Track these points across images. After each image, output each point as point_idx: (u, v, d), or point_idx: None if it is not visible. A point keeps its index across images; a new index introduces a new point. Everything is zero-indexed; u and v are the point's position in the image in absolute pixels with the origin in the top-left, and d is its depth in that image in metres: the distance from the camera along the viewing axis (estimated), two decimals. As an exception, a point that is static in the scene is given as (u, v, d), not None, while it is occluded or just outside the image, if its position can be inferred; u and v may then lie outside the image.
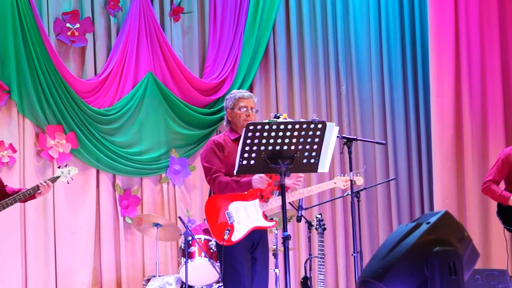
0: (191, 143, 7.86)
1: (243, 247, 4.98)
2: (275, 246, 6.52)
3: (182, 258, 6.59)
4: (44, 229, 7.16)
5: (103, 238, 7.41)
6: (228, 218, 4.94)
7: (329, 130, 4.42)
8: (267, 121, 4.35)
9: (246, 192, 4.99)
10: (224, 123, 5.28)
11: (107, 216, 7.44)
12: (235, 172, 4.46)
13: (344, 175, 5.49)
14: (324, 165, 4.49)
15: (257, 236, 5.06)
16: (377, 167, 8.37)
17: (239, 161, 4.36)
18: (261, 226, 5.01)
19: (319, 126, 4.37)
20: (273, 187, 4.99)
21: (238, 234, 4.94)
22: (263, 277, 5.10)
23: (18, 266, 7.00)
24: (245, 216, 4.96)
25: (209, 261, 6.52)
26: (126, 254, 7.48)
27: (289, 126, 4.33)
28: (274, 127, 4.31)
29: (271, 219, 5.12)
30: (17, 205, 5.55)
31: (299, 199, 5.03)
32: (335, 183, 5.43)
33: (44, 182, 5.39)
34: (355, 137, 5.69)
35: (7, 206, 5.28)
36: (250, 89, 7.94)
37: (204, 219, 5.56)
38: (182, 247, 6.64)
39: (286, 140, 4.34)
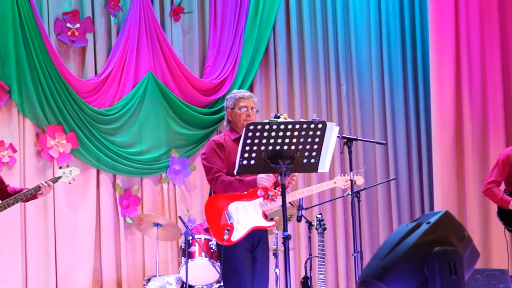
0: (191, 143, 7.86)
1: (244, 247, 4.98)
2: (275, 246, 6.52)
3: (183, 258, 6.59)
4: (45, 229, 7.16)
5: (104, 238, 7.41)
6: (227, 218, 4.94)
7: (329, 130, 4.42)
8: (267, 121, 4.35)
9: (245, 192, 4.99)
10: (225, 123, 5.28)
11: (107, 216, 7.44)
12: (235, 172, 4.46)
13: (344, 175, 5.48)
14: (324, 165, 4.49)
15: (257, 236, 5.06)
16: (377, 167, 8.37)
17: (239, 161, 4.36)
18: (261, 226, 5.00)
19: (319, 126, 4.37)
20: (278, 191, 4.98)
21: (238, 234, 4.93)
22: (263, 277, 5.10)
23: (18, 266, 7.00)
24: (244, 216, 4.96)
25: (209, 261, 6.52)
26: (126, 254, 7.48)
27: (289, 126, 4.33)
28: (274, 127, 4.31)
29: (271, 219, 5.11)
30: (18, 205, 5.55)
31: (299, 199, 5.03)
32: (335, 182, 5.43)
33: (46, 182, 5.39)
34: (355, 137, 5.69)
35: (9, 206, 5.29)
36: (251, 89, 7.94)
37: (205, 219, 5.56)
38: (183, 247, 6.64)
39: (286, 140, 4.34)
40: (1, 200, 5.33)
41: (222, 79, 7.86)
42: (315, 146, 4.40)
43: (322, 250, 6.65)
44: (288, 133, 4.33)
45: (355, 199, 5.70)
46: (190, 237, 6.53)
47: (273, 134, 4.31)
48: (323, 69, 8.33)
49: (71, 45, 7.41)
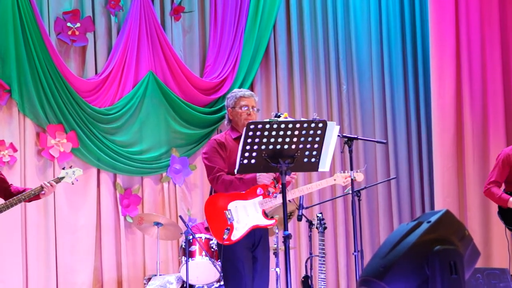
0: (191, 142, 7.86)
1: (244, 246, 4.98)
2: (275, 245, 6.52)
3: (183, 257, 6.60)
4: (45, 228, 7.16)
5: (104, 237, 7.41)
6: (227, 218, 4.94)
7: (329, 129, 4.42)
8: (267, 120, 4.35)
9: (244, 192, 4.99)
10: (225, 122, 5.28)
11: (108, 215, 7.44)
12: (236, 171, 4.46)
13: (344, 172, 5.48)
14: (325, 164, 4.49)
15: (257, 235, 5.06)
16: (377, 166, 8.38)
17: (240, 160, 4.36)
18: (260, 224, 5.01)
19: (320, 125, 4.38)
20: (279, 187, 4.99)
21: (238, 233, 4.94)
22: (264, 276, 5.10)
23: (18, 266, 7.00)
24: (244, 215, 4.96)
25: (210, 260, 6.52)
26: (127, 253, 7.48)
27: (290, 125, 4.33)
28: (275, 126, 4.31)
29: (271, 218, 5.11)
30: (18, 204, 5.55)
31: (300, 198, 5.03)
32: (334, 179, 5.42)
33: (48, 182, 5.39)
34: (355, 136, 5.69)
35: (11, 206, 5.29)
36: (251, 88, 7.95)
37: (205, 219, 5.56)
38: (183, 246, 6.65)
39: (287, 139, 4.34)
40: (4, 200, 5.33)
41: (222, 79, 7.87)
42: (316, 145, 4.40)
43: (323, 249, 6.65)
44: (289, 132, 4.33)
45: (356, 198, 5.71)
46: (191, 236, 6.54)
47: (273, 133, 4.31)
48: (324, 68, 8.33)
49: (72, 45, 7.41)
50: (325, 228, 6.73)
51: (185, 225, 6.51)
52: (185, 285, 6.58)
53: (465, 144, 8.00)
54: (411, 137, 8.49)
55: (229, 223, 4.93)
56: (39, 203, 6.95)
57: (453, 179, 7.97)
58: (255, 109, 5.18)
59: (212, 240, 6.62)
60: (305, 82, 8.26)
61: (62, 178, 5.54)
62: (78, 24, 7.37)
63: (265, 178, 4.92)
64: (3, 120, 7.12)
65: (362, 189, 6.44)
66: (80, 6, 7.46)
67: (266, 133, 4.31)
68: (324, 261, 6.65)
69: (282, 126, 4.32)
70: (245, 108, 5.13)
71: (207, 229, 6.76)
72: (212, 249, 6.62)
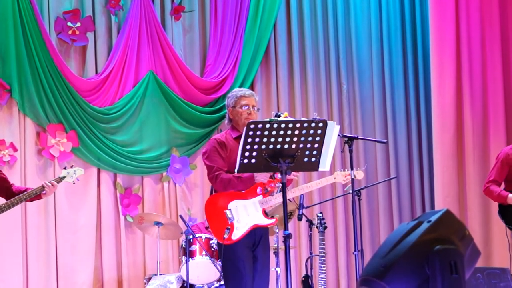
0: (192, 142, 7.86)
1: (245, 246, 4.99)
2: (276, 245, 6.52)
3: (183, 256, 6.60)
4: (45, 228, 7.16)
5: (104, 237, 7.41)
6: (228, 217, 4.94)
7: (330, 128, 4.42)
8: (268, 120, 4.35)
9: (243, 191, 4.99)
10: (226, 121, 5.29)
11: (108, 215, 7.44)
12: (236, 170, 4.47)
13: (344, 170, 5.48)
14: (325, 164, 4.49)
15: (258, 235, 5.06)
16: (378, 166, 8.37)
17: (240, 159, 4.37)
18: (261, 224, 5.01)
19: (320, 125, 4.37)
20: (278, 180, 5.00)
21: (238, 233, 4.94)
22: (264, 275, 5.11)
23: (19, 265, 7.00)
24: (245, 215, 4.97)
25: (210, 259, 6.52)
26: (127, 252, 7.48)
27: (290, 125, 4.33)
28: (275, 126, 4.31)
29: (272, 217, 5.12)
30: (19, 204, 5.55)
31: (300, 197, 5.03)
32: (335, 178, 5.42)
33: (50, 182, 5.39)
34: (356, 135, 5.70)
35: (13, 205, 5.29)
36: (251, 88, 7.95)
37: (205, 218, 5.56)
38: (183, 246, 6.65)
39: (287, 139, 4.34)
40: (6, 200, 5.33)
41: (222, 78, 7.87)
42: (316, 145, 4.40)
43: (323, 248, 6.65)
44: (289, 132, 4.33)
45: (356, 198, 5.70)
46: (191, 236, 6.54)
47: (273, 133, 4.31)
48: (324, 67, 8.33)
49: (72, 44, 7.41)
50: (325, 227, 6.73)
51: (186, 224, 6.51)
52: (185, 284, 6.58)
53: (465, 143, 8.00)
54: (411, 136, 8.48)
55: (229, 222, 4.93)
56: (39, 203, 6.94)
57: (453, 178, 7.97)
58: (255, 108, 5.18)
59: (212, 239, 6.62)
60: (305, 81, 8.26)
61: (64, 177, 5.54)
62: (79, 24, 7.36)
63: (262, 176, 4.92)
64: (3, 120, 7.12)
65: (362, 188, 6.44)
66: (80, 6, 7.46)
67: (266, 132, 4.31)
68: (324, 260, 6.65)
69: (283, 125, 4.32)
70: (246, 108, 5.13)
71: (207, 228, 6.76)
72: (213, 249, 6.62)
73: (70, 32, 7.34)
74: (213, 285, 6.68)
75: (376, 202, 8.37)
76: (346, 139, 5.48)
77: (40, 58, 7.12)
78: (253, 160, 4.36)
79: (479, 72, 8.05)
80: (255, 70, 8.05)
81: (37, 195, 5.36)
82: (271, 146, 4.33)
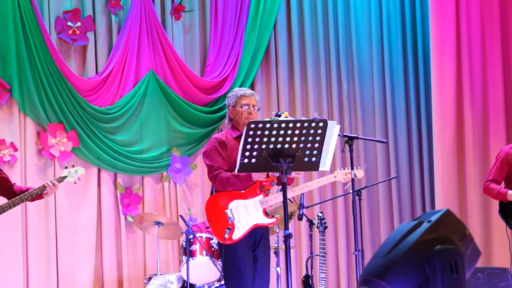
0: (192, 142, 7.86)
1: (245, 245, 4.99)
2: (276, 245, 6.52)
3: (184, 256, 6.60)
4: (46, 228, 7.16)
5: (105, 236, 7.41)
6: (228, 217, 4.94)
7: (330, 128, 4.42)
8: (268, 119, 4.35)
9: (244, 191, 4.99)
10: (226, 121, 5.29)
11: (108, 214, 7.44)
12: (236, 170, 4.47)
13: (344, 169, 5.48)
14: (325, 164, 4.49)
15: (258, 234, 5.07)
16: (378, 166, 8.37)
17: (240, 159, 4.37)
18: (261, 223, 5.01)
19: (320, 124, 4.37)
20: (272, 177, 5.00)
21: (239, 233, 4.94)
22: (265, 275, 5.11)
23: (19, 265, 6.99)
24: (245, 214, 4.97)
25: (210, 259, 6.52)
26: (127, 252, 7.48)
27: (290, 125, 4.33)
28: (275, 125, 4.31)
29: (272, 216, 5.11)
30: (20, 204, 5.55)
31: (301, 197, 5.03)
32: (335, 176, 5.42)
33: (51, 182, 5.38)
34: (356, 135, 5.69)
35: (14, 205, 5.29)
36: (251, 87, 7.94)
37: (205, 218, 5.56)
38: (184, 246, 6.65)
39: (287, 139, 4.34)
40: (8, 199, 5.33)
41: (223, 78, 7.86)
42: (316, 145, 4.40)
43: (323, 248, 6.65)
44: (289, 132, 4.33)
45: (356, 198, 5.70)
46: (191, 236, 6.54)
47: (274, 132, 4.31)
48: (324, 67, 8.33)
49: (72, 44, 7.41)
50: (325, 227, 6.73)
51: (186, 224, 6.51)
52: (185, 284, 6.58)
53: (465, 142, 7.99)
54: (411, 136, 8.48)
55: (230, 222, 4.93)
56: (40, 202, 6.94)
57: (453, 178, 7.97)
58: (255, 108, 5.18)
59: (212, 239, 6.62)
60: (305, 81, 8.25)
61: (65, 177, 5.54)
62: (79, 23, 7.36)
63: (259, 175, 4.92)
64: (3, 119, 7.12)
65: (363, 188, 6.43)
66: (80, 5, 7.46)
67: (266, 132, 4.31)
68: (324, 260, 6.65)
69: (283, 125, 4.32)
70: (246, 107, 5.14)
71: (207, 228, 6.76)
72: (213, 249, 6.62)
73: (70, 31, 7.34)
74: (214, 285, 6.68)
75: (376, 202, 8.37)
76: (346, 138, 5.48)
77: (40, 57, 7.12)
78: (253, 160, 4.36)
79: (479, 72, 8.04)
80: (256, 70, 8.05)
81: (38, 195, 5.36)
82: (271, 146, 4.33)
